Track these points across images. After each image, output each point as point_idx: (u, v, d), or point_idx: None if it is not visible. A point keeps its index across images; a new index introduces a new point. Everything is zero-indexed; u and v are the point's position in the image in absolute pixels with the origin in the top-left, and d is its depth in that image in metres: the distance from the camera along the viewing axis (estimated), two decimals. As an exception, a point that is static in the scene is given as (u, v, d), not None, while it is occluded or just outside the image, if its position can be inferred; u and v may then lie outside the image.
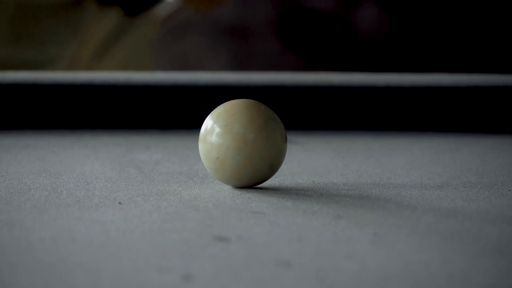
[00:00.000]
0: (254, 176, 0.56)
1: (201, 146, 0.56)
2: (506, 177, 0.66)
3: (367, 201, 0.54)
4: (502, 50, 2.02)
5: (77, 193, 0.56)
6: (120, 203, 0.52)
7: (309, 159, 0.78)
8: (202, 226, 0.45)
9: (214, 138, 0.55)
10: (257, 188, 0.58)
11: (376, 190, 0.58)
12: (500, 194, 0.57)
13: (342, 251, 0.39)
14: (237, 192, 0.57)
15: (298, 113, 1.02)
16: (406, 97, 1.04)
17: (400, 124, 1.05)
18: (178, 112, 0.99)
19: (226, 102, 0.57)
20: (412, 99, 1.04)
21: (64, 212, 0.49)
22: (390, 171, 0.69)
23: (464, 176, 0.66)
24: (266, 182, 0.60)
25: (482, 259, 0.38)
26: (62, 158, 0.76)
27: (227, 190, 0.57)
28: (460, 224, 0.46)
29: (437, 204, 0.53)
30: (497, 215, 0.49)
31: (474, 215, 0.49)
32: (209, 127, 0.56)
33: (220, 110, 0.56)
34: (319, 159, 0.78)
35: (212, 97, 0.98)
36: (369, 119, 1.05)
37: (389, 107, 1.04)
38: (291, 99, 1.00)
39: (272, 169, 0.56)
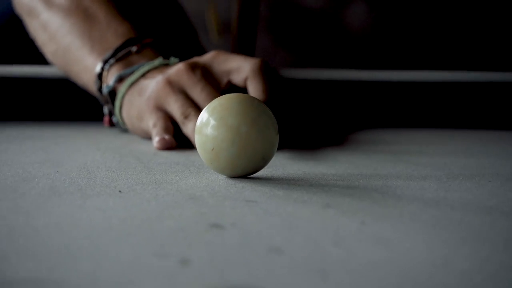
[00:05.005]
0: (247, 166, 0.57)
1: (197, 137, 0.57)
2: (487, 169, 0.67)
3: (354, 190, 0.54)
4: (490, 47, 2.01)
5: (80, 182, 0.56)
6: (120, 191, 0.53)
7: (300, 151, 0.78)
8: (198, 214, 0.46)
9: (209, 130, 0.56)
10: (250, 178, 0.59)
11: (363, 181, 0.59)
12: (481, 185, 0.58)
13: (330, 238, 0.40)
14: (231, 181, 0.57)
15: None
16: (393, 92, 1.05)
17: (386, 118, 1.05)
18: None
19: (221, 96, 0.57)
20: (398, 94, 1.05)
21: (67, 199, 0.49)
22: (377, 162, 0.70)
23: (448, 168, 0.68)
24: (259, 172, 0.61)
25: (464, 246, 0.39)
26: (65, 149, 0.76)
27: (222, 179, 0.58)
28: (443, 213, 0.47)
29: (421, 194, 0.54)
30: (477, 205, 0.50)
31: (456, 205, 0.50)
32: (204, 119, 0.57)
33: (215, 104, 0.57)
34: (309, 151, 0.78)
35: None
36: (357, 113, 1.05)
37: (376, 102, 1.05)
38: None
39: (264, 160, 0.57)
